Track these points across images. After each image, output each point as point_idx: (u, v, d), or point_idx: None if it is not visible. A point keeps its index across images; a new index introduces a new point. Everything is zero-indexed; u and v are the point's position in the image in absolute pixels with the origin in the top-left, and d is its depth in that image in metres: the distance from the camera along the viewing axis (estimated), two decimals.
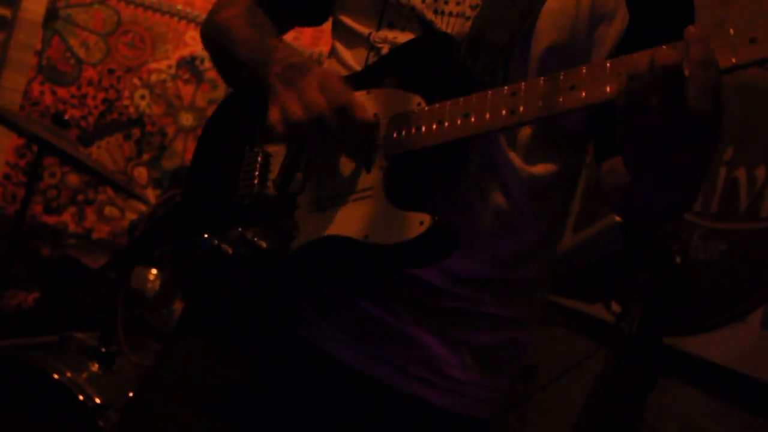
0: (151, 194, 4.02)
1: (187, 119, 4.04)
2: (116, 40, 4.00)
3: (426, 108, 1.19)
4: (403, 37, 1.37)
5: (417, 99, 1.21)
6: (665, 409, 2.55)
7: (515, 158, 1.30)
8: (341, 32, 1.49)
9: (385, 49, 1.38)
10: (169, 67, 4.03)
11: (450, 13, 1.36)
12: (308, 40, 4.12)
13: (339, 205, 1.23)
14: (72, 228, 3.97)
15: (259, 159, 1.36)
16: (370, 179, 1.21)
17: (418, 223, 1.12)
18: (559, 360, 3.01)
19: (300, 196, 1.29)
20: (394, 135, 1.20)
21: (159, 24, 4.03)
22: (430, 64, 1.25)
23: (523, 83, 1.08)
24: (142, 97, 4.01)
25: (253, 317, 1.35)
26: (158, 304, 2.37)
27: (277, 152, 1.36)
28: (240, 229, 1.30)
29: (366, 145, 1.23)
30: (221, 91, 4.06)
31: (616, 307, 2.89)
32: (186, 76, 4.04)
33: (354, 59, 1.44)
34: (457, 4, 1.36)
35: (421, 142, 1.18)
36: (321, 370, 1.33)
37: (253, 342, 1.35)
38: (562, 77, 1.03)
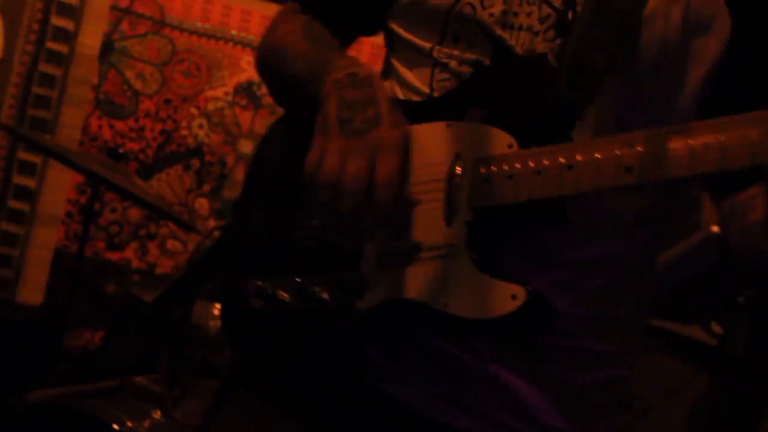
0: (214, 225, 3.92)
1: (246, 147, 3.93)
2: (172, 70, 3.93)
3: (519, 153, 1.03)
4: (470, 54, 1.20)
5: (508, 139, 1.05)
6: None
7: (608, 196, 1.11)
8: (399, 47, 1.32)
9: (452, 65, 1.21)
10: (226, 94, 3.94)
11: (520, 27, 1.19)
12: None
13: (413, 262, 1.07)
14: (135, 264, 3.90)
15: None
16: (451, 234, 1.05)
17: (509, 296, 0.97)
18: (654, 387, 2.79)
19: (366, 245, 1.13)
20: (482, 183, 1.04)
21: (214, 51, 3.94)
22: (523, 95, 1.08)
23: (640, 133, 0.92)
24: (200, 126, 3.93)
25: (312, 365, 1.21)
26: (222, 343, 2.22)
27: None
28: (299, 280, 1.15)
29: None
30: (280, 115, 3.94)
31: (716, 328, 2.67)
32: (243, 102, 3.94)
33: (418, 79, 1.26)
34: (528, 15, 1.19)
35: (513, 195, 1.01)
36: (391, 421, 1.18)
37: (312, 393, 1.21)
38: (691, 129, 0.88)
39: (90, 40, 3.82)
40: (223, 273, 1.36)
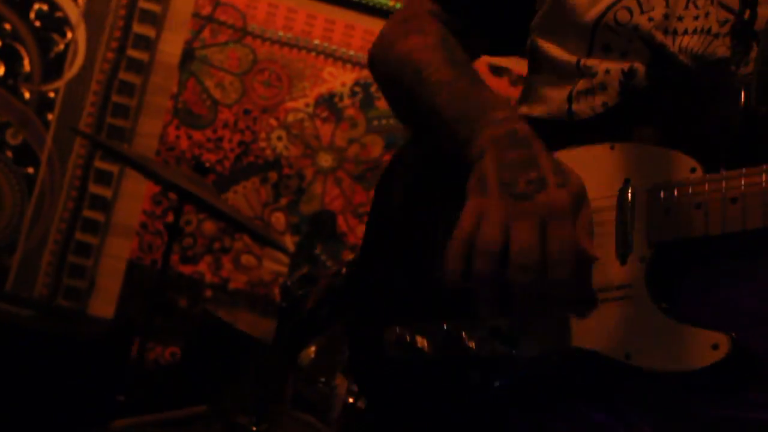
0: (289, 241, 3.79)
1: (326, 160, 3.80)
2: (252, 80, 3.83)
3: (707, 177, 0.88)
4: (623, 65, 1.06)
5: (690, 163, 0.90)
6: None
7: None
8: (543, 65, 1.19)
9: (602, 78, 1.07)
10: (307, 105, 3.82)
11: (686, 32, 1.04)
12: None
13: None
14: (208, 278, 3.79)
15: None
16: (626, 274, 0.91)
17: (709, 345, 0.83)
18: None
19: None
20: (662, 213, 0.90)
21: (296, 60, 3.83)
22: (705, 112, 0.93)
23: None
24: (279, 138, 3.81)
25: (448, 423, 1.07)
26: (315, 375, 2.07)
27: None
28: (445, 326, 1.02)
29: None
30: (361, 129, 3.81)
31: None
32: (324, 114, 3.81)
33: (562, 96, 1.13)
34: (695, 18, 1.04)
35: (703, 228, 0.86)
36: None
37: None
38: None
39: (171, 47, 3.74)
40: (351, 317, 1.21)
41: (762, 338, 0.90)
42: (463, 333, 1.01)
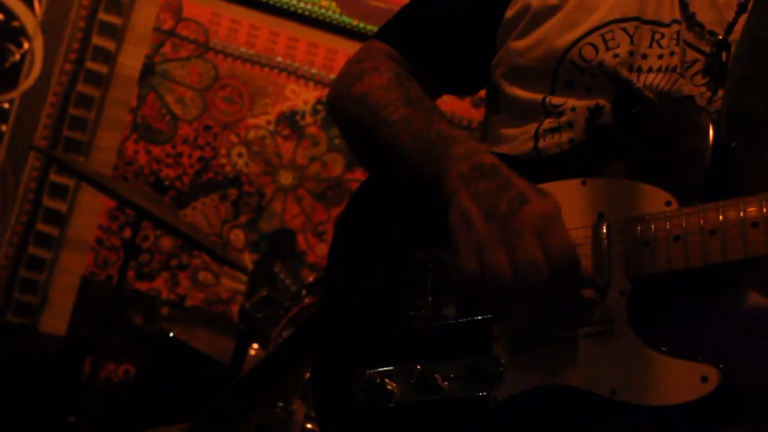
0: (248, 258, 3.76)
1: (286, 178, 3.78)
2: (213, 95, 3.80)
3: (684, 211, 0.88)
4: (589, 102, 1.06)
5: (664, 196, 0.90)
6: None
7: None
8: (504, 105, 1.18)
9: (567, 115, 1.07)
10: (268, 122, 3.79)
11: (650, 69, 1.05)
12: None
13: (562, 341, 0.91)
14: (165, 295, 3.73)
15: (431, 267, 1.05)
16: (606, 308, 0.89)
17: (698, 378, 0.81)
18: None
19: (497, 325, 0.97)
20: (640, 247, 0.89)
21: (258, 77, 3.81)
22: (675, 147, 0.93)
23: None
24: (240, 155, 3.78)
25: None
26: (271, 400, 2.04)
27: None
28: (419, 366, 0.98)
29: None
30: (323, 147, 3.80)
31: None
32: (286, 132, 3.79)
33: (526, 135, 1.12)
34: (660, 57, 1.06)
35: (683, 260, 0.86)
36: None
37: None
38: None
39: (131, 61, 3.69)
40: (317, 361, 1.17)
41: (744, 370, 0.89)
42: (437, 374, 0.97)
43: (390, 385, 1.00)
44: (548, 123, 1.11)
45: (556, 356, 0.91)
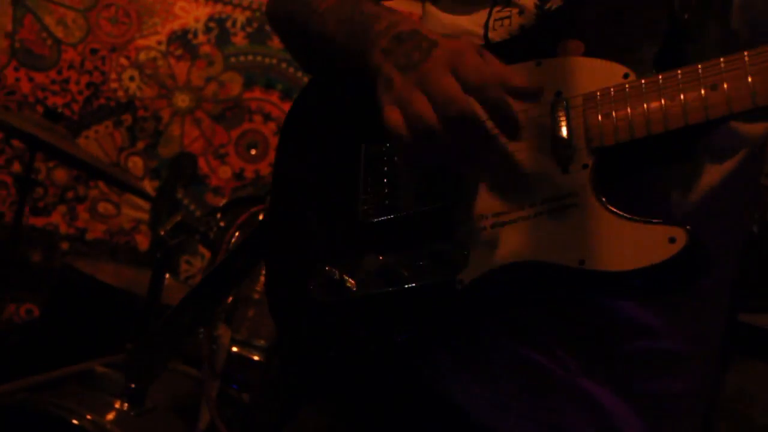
0: (149, 186, 3.63)
1: (183, 100, 3.64)
2: (97, 16, 3.57)
3: (644, 81, 0.87)
4: None
5: (622, 69, 0.89)
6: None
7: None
8: None
9: (516, 3, 1.05)
10: (159, 43, 3.61)
11: None
12: None
13: (526, 219, 0.90)
14: (63, 229, 3.58)
15: (385, 159, 1.03)
16: (570, 182, 0.89)
17: (666, 239, 0.81)
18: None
19: (458, 207, 0.96)
20: (598, 117, 0.89)
21: None
22: (630, 21, 0.92)
23: None
24: (131, 79, 3.60)
25: (384, 376, 1.03)
26: (194, 327, 2.00)
27: None
28: (381, 257, 0.97)
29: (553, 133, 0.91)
30: (218, 66, 3.66)
31: None
32: (179, 52, 3.63)
33: (472, 27, 1.10)
34: None
35: (644, 129, 0.86)
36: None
37: (385, 408, 1.05)
38: None
39: None
40: (270, 264, 1.15)
41: (709, 233, 0.91)
42: (399, 264, 0.96)
43: (349, 282, 0.99)
44: (498, 13, 1.08)
45: (520, 234, 0.91)
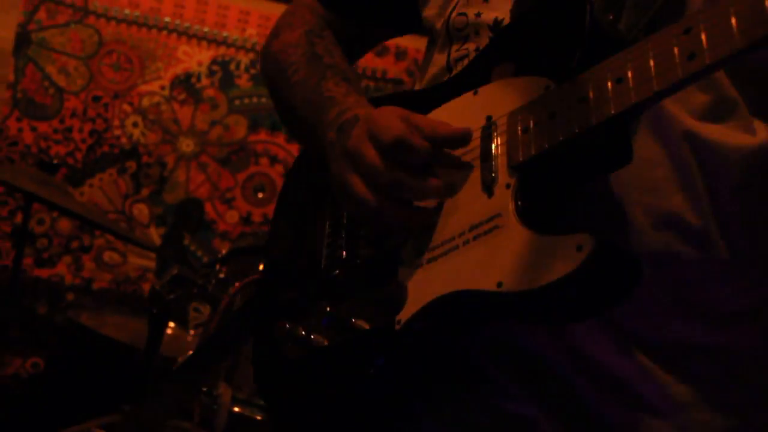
0: (155, 233, 3.56)
1: (187, 145, 3.58)
2: (99, 63, 3.54)
3: (559, 89, 0.84)
4: (486, 16, 1.04)
5: (543, 82, 0.87)
6: None
7: (705, 129, 0.90)
8: (429, 37, 1.19)
9: (469, 34, 1.07)
10: (162, 88, 3.57)
11: None
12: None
13: (455, 249, 0.90)
14: (69, 280, 3.51)
15: (345, 217, 1.07)
16: (494, 204, 0.86)
17: (573, 248, 0.77)
18: None
19: (403, 250, 0.96)
20: (518, 133, 0.86)
21: (146, 40, 3.56)
22: (554, 34, 0.90)
23: (700, 13, 0.75)
24: (135, 125, 3.55)
25: (353, 426, 1.01)
26: (194, 385, 1.90)
27: None
28: (329, 309, 0.98)
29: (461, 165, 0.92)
30: (223, 109, 3.61)
31: None
32: (182, 96, 3.58)
33: (440, 62, 1.12)
34: None
35: (554, 134, 0.82)
36: None
37: None
38: None
39: (2, 31, 3.39)
40: (255, 329, 1.17)
41: (623, 234, 0.88)
42: (350, 313, 0.96)
43: (314, 336, 0.99)
44: (456, 52, 1.09)
45: (449, 264, 0.89)
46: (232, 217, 3.57)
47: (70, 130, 3.50)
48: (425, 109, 1.00)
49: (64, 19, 3.51)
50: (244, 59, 3.61)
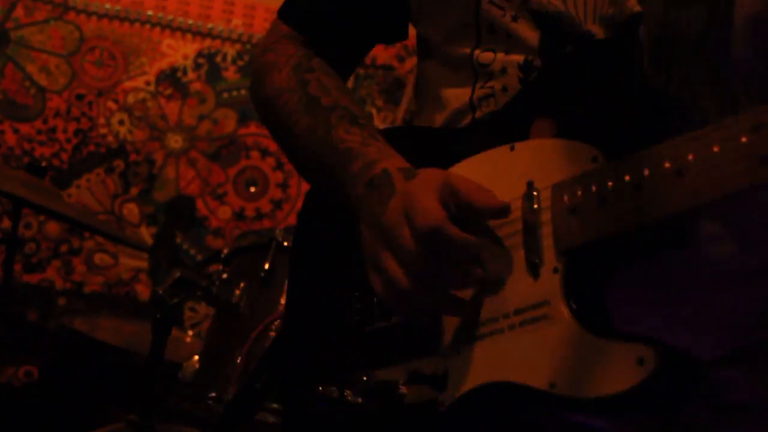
0: (146, 233, 3.48)
1: (176, 141, 3.49)
2: (82, 60, 3.44)
3: (609, 166, 0.78)
4: (519, 58, 0.96)
5: (590, 152, 0.81)
6: None
7: None
8: (435, 54, 1.09)
9: (499, 80, 0.98)
10: (148, 83, 3.47)
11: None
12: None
13: (500, 332, 0.85)
14: (59, 285, 3.42)
15: None
16: (540, 289, 0.82)
17: (633, 361, 0.72)
18: None
19: (446, 317, 0.91)
20: (565, 212, 0.80)
21: (129, 35, 3.47)
22: (602, 92, 0.83)
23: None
24: (121, 123, 3.46)
25: None
26: (202, 391, 1.84)
27: None
28: (365, 378, 0.94)
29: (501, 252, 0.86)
30: (210, 103, 3.52)
31: None
32: (168, 91, 3.49)
33: (459, 98, 1.03)
34: None
35: (609, 226, 0.76)
36: None
37: None
38: None
39: None
40: (283, 382, 1.13)
41: (692, 335, 0.83)
42: (387, 380, 0.92)
43: (349, 396, 0.95)
44: (480, 89, 1.00)
45: (494, 350, 0.84)
46: (225, 212, 3.50)
47: (54, 130, 3.41)
48: (453, 154, 0.94)
49: (43, 16, 3.40)
50: (231, 51, 3.52)
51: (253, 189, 3.51)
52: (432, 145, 0.96)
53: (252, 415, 1.39)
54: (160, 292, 1.71)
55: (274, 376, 1.19)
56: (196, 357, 1.89)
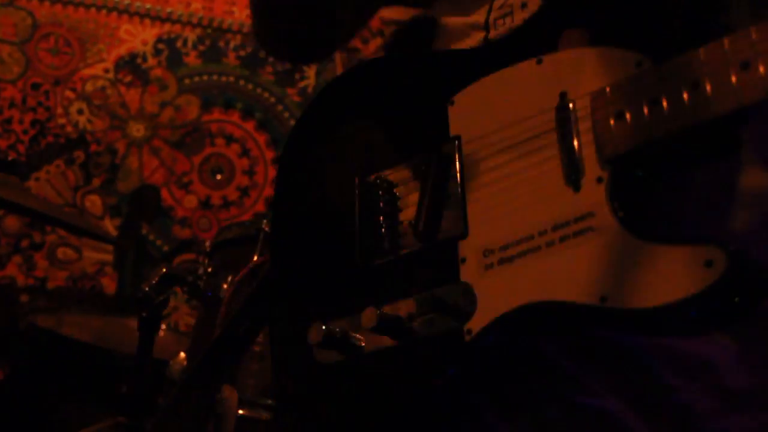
0: (110, 225, 3.38)
1: (138, 130, 3.39)
2: (36, 48, 3.31)
3: (659, 68, 0.74)
4: None
5: (633, 57, 0.76)
6: None
7: None
8: None
9: None
10: (106, 71, 3.37)
11: None
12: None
13: (536, 250, 0.80)
14: (21, 281, 3.31)
15: (381, 194, 0.93)
16: (583, 201, 0.77)
17: (701, 263, 0.68)
18: None
19: (463, 242, 0.85)
20: (610, 119, 0.76)
21: (84, 21, 3.35)
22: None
23: None
24: (80, 112, 3.34)
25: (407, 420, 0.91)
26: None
27: (407, 178, 0.92)
28: (378, 311, 0.85)
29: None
30: (172, 90, 3.43)
31: None
32: (128, 78, 3.38)
33: (472, 33, 1.01)
34: None
35: (667, 127, 0.73)
36: None
37: None
38: None
39: None
40: (272, 326, 1.03)
41: (761, 245, 0.78)
42: (403, 314, 0.86)
43: (354, 338, 0.88)
44: (498, 10, 0.96)
45: (531, 269, 0.80)
46: (191, 201, 3.42)
47: (9, 121, 3.28)
48: (469, 76, 0.89)
49: None
50: (191, 35, 3.43)
51: (219, 177, 3.44)
52: (447, 70, 0.90)
53: (232, 365, 1.33)
54: (147, 289, 1.65)
55: (260, 320, 1.10)
56: (183, 354, 1.84)
